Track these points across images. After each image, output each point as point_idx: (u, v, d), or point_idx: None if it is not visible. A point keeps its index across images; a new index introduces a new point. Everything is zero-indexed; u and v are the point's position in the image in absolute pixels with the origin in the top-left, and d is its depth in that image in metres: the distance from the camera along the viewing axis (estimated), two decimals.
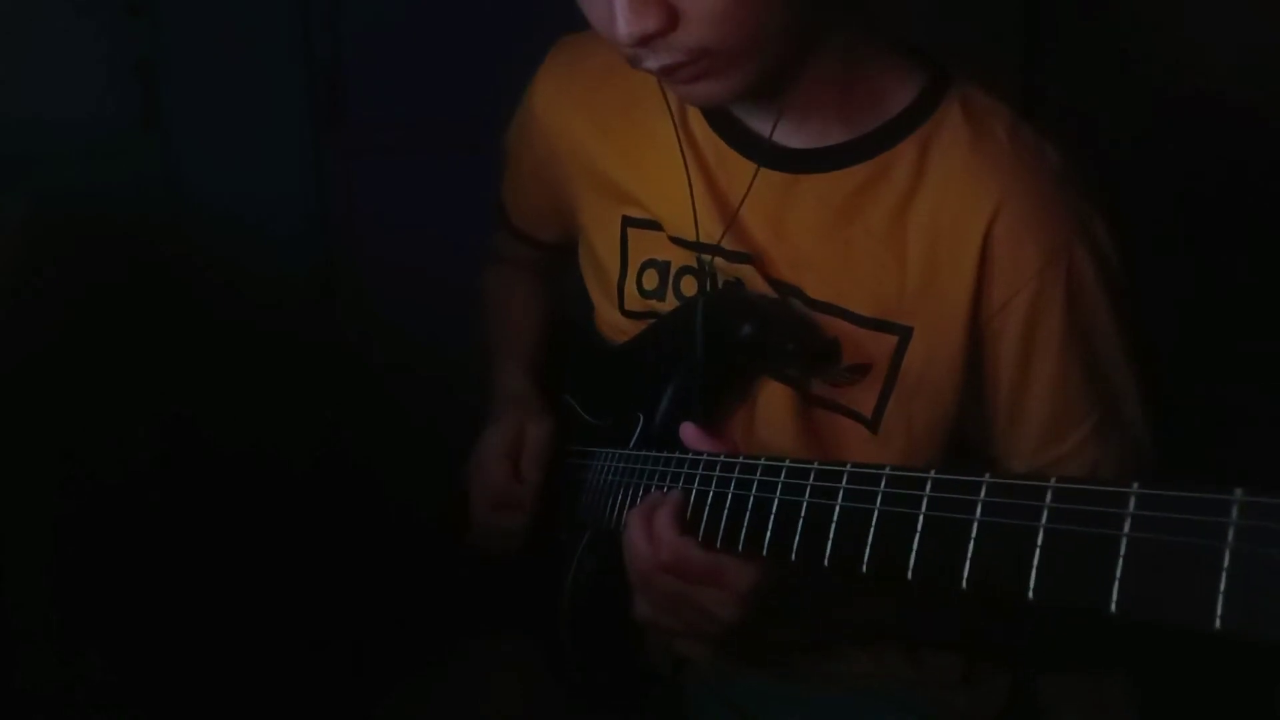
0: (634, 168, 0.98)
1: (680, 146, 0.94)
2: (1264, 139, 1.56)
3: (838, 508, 0.66)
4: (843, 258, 0.89)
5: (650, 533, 0.79)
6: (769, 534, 0.71)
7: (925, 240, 0.87)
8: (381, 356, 1.84)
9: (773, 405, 0.93)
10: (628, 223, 0.99)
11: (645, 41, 0.77)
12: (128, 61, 1.67)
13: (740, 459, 0.77)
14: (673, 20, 0.76)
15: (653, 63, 0.79)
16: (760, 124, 0.91)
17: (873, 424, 0.90)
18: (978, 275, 0.85)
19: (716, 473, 0.78)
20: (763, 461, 0.75)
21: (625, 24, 0.76)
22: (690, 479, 0.81)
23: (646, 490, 0.88)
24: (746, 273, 0.92)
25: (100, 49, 1.65)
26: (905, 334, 0.88)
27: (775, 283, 0.92)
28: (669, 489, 0.83)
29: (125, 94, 1.68)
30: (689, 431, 0.82)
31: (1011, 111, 0.89)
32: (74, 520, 1.53)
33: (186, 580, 1.59)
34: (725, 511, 0.76)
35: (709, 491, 0.78)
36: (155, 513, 1.62)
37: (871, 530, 0.63)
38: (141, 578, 1.55)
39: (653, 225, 0.98)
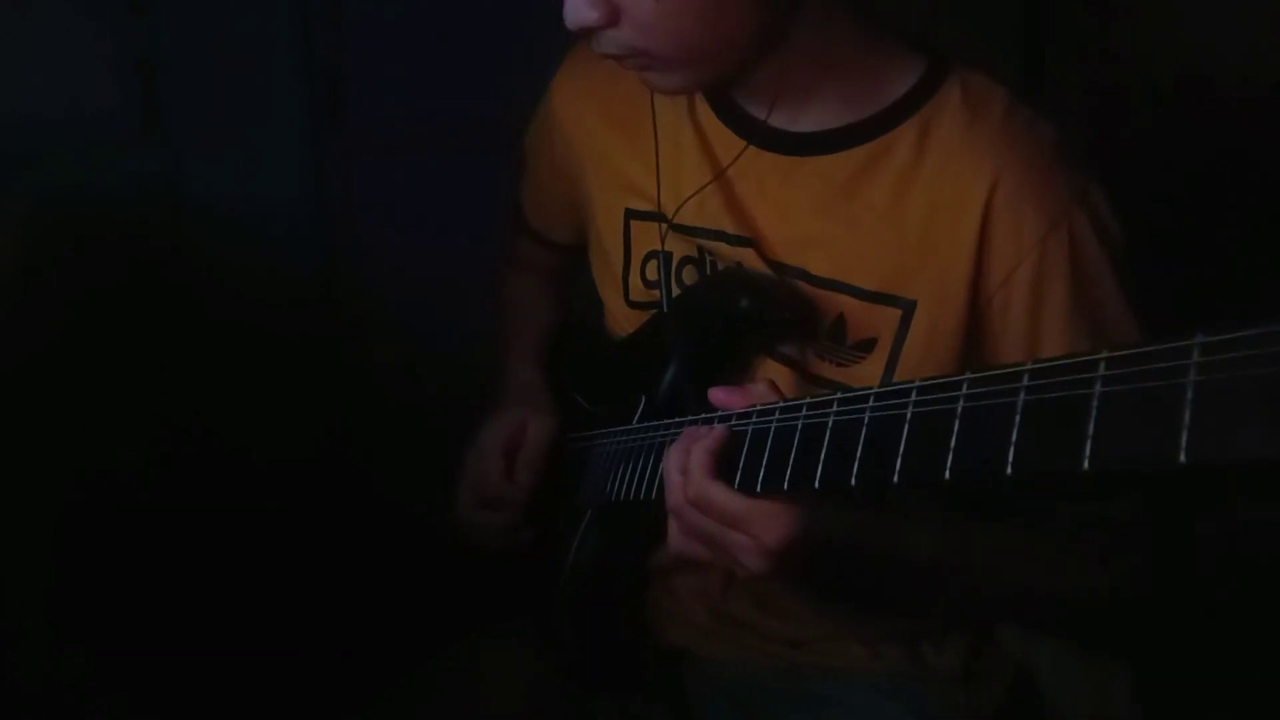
0: (641, 157, 1.00)
1: (693, 134, 0.96)
2: (1265, 138, 1.56)
3: (865, 422, 0.66)
4: (846, 234, 0.90)
5: (684, 465, 0.77)
6: (821, 463, 0.68)
7: (925, 214, 0.88)
8: (381, 356, 1.84)
9: None
10: (630, 215, 1.01)
11: (587, 33, 0.84)
12: (128, 61, 1.67)
13: (758, 407, 0.77)
14: (613, 17, 0.83)
15: (598, 49, 0.86)
16: (758, 109, 0.93)
17: None
18: (978, 248, 0.86)
19: (753, 421, 0.76)
20: (782, 403, 0.74)
21: (569, 13, 0.83)
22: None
23: (649, 457, 0.90)
24: (748, 256, 0.94)
25: (100, 49, 1.65)
26: (909, 307, 0.89)
27: (776, 265, 0.93)
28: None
29: (125, 94, 1.67)
30: (718, 394, 0.80)
31: (1009, 92, 0.91)
32: (73, 519, 1.53)
33: (185, 578, 1.59)
34: (768, 448, 0.73)
35: (746, 430, 0.76)
36: (154, 511, 1.62)
37: (860, 444, 0.65)
38: (141, 576, 1.54)
39: (655, 217, 0.99)
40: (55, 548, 1.50)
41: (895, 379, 0.90)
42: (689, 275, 0.99)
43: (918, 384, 0.62)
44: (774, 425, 0.73)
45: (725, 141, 0.95)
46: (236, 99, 1.73)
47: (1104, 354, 0.50)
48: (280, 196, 1.79)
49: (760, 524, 0.74)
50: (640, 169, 1.00)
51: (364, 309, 1.85)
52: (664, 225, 0.99)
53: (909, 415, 0.61)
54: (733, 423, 0.77)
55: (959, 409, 0.58)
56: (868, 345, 0.91)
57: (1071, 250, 0.86)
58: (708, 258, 0.97)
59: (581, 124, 1.05)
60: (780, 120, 0.92)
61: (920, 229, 0.88)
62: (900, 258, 0.89)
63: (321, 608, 1.61)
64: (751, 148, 0.93)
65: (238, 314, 1.73)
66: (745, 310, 0.91)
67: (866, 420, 0.65)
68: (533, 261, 1.23)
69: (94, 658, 1.42)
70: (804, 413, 0.71)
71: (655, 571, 1.04)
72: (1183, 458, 0.44)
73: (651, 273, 1.01)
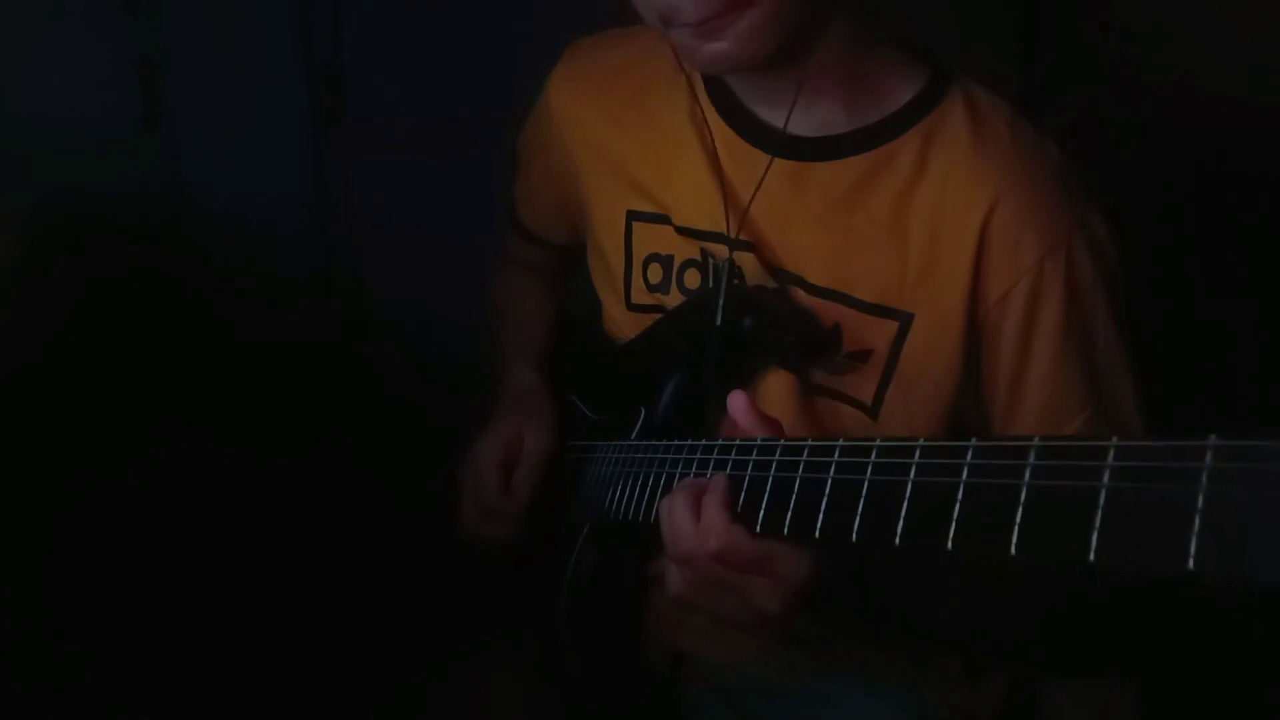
0: (644, 159, 1.00)
1: (695, 136, 0.96)
2: (1265, 140, 1.56)
3: (866, 482, 0.66)
4: (845, 244, 0.90)
5: (699, 517, 0.75)
6: (821, 516, 0.68)
7: (926, 229, 0.88)
8: (381, 356, 1.84)
9: (774, 393, 0.94)
10: (632, 217, 1.01)
11: None
12: (129, 60, 1.67)
13: (758, 441, 0.76)
14: None
15: (692, 12, 0.80)
16: (769, 113, 0.93)
17: (872, 411, 0.92)
18: (976, 266, 0.87)
19: (753, 456, 0.75)
20: (782, 442, 0.73)
21: None
22: (704, 464, 0.80)
23: (649, 479, 0.89)
24: (748, 261, 0.93)
25: (101, 48, 1.65)
26: (906, 320, 0.89)
27: (776, 271, 0.93)
28: (695, 474, 0.80)
29: (126, 93, 1.68)
30: (738, 400, 0.77)
31: (1012, 108, 0.91)
32: (72, 520, 1.53)
33: (185, 580, 1.59)
34: (767, 496, 0.72)
35: (744, 476, 0.75)
36: (153, 512, 1.62)
37: (861, 500, 0.64)
38: (140, 578, 1.55)
39: (657, 219, 0.99)
40: (56, 551, 1.50)
41: (891, 390, 0.90)
42: (691, 279, 0.98)
43: (921, 443, 0.61)
44: (772, 475, 0.72)
45: (727, 142, 0.95)
46: (236, 99, 1.73)
47: (1113, 443, 0.49)
48: (280, 196, 1.79)
49: (783, 565, 0.73)
50: (643, 170, 0.99)
51: (364, 309, 1.85)
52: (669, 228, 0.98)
53: (910, 481, 0.61)
54: (729, 470, 0.76)
55: (961, 481, 0.57)
56: (863, 356, 0.90)
57: (1068, 274, 0.86)
58: (710, 261, 0.97)
59: (579, 124, 1.04)
60: (789, 124, 0.91)
61: (921, 243, 0.88)
62: (900, 271, 0.89)
63: (320, 613, 1.61)
64: (760, 153, 0.92)
65: (237, 314, 1.73)
66: (748, 330, 0.90)
67: (867, 482, 0.64)
68: (528, 261, 1.22)
69: (95, 662, 1.42)
70: (805, 456, 0.70)
71: (654, 576, 1.04)
72: (1190, 566, 0.44)
73: (654, 276, 1.00)
